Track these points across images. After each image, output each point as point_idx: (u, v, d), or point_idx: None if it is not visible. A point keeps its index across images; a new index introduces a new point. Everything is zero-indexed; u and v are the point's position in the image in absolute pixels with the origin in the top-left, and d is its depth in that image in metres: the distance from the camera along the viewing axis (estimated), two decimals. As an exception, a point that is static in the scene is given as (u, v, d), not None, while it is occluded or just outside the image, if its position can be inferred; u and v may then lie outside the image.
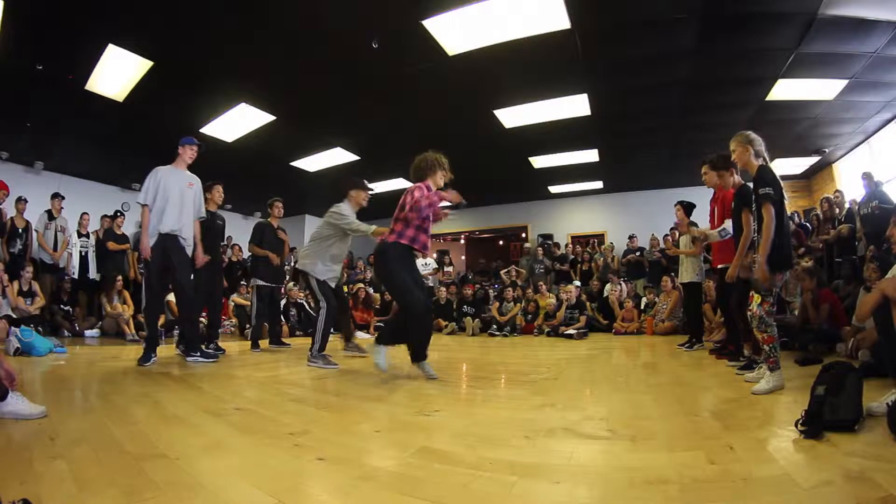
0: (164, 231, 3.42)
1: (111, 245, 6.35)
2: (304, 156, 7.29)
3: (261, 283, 4.81)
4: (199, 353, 3.57)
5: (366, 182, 4.04)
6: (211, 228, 4.31)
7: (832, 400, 1.63)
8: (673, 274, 6.29)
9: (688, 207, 4.75)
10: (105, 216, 6.87)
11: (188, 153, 3.62)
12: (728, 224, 3.52)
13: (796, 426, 1.59)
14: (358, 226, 3.70)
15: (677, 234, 5.73)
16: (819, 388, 1.69)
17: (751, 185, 2.77)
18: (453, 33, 4.10)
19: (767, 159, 2.61)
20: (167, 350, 4.09)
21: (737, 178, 3.32)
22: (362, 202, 3.92)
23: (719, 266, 3.64)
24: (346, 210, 3.78)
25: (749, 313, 2.54)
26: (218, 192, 4.42)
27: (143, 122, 5.81)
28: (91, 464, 1.33)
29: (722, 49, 4.37)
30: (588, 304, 7.05)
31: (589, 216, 10.07)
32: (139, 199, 3.44)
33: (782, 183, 2.51)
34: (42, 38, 4.05)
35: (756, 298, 2.45)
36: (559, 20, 3.91)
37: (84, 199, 7.39)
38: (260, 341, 4.81)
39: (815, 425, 1.57)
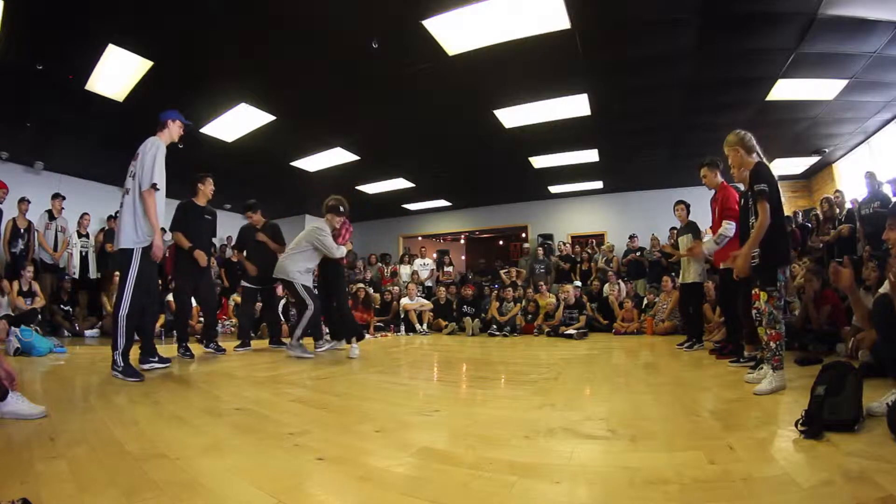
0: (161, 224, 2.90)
1: (109, 247, 6.36)
2: (304, 156, 7.28)
3: (245, 284, 4.87)
4: (156, 359, 3.16)
5: (342, 209, 4.42)
6: (202, 223, 4.04)
7: (832, 400, 1.63)
8: (673, 274, 6.30)
9: (689, 207, 4.79)
10: (111, 217, 6.88)
11: (176, 129, 3.11)
12: (727, 228, 3.51)
13: (796, 426, 1.59)
14: (331, 249, 4.22)
15: (675, 234, 5.75)
16: (819, 388, 1.69)
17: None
18: (453, 33, 4.10)
19: (761, 154, 2.59)
20: (168, 350, 4.09)
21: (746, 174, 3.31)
22: (336, 225, 4.35)
23: (721, 266, 3.64)
24: (327, 230, 4.24)
25: (755, 311, 2.53)
26: (210, 185, 4.11)
27: (143, 122, 5.78)
28: (91, 464, 1.33)
29: (722, 49, 4.37)
30: (588, 304, 7.05)
31: (589, 216, 10.07)
32: (155, 180, 2.76)
33: (779, 182, 2.51)
34: (42, 38, 4.05)
35: (763, 295, 2.43)
36: (559, 20, 3.90)
37: (84, 199, 7.38)
38: (252, 341, 4.78)
39: (815, 425, 1.57)
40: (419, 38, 4.12)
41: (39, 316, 5.24)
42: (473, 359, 4.38)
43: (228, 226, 9.00)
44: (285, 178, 8.14)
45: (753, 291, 2.54)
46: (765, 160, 2.58)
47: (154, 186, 2.78)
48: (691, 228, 4.66)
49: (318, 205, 5.61)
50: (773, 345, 2.41)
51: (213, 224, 4.27)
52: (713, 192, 3.89)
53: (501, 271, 8.86)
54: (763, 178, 2.43)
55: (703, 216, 4.89)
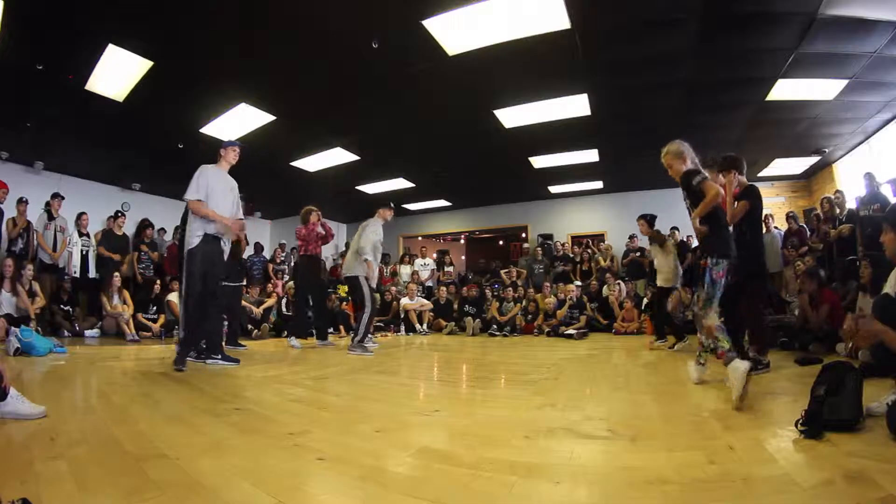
0: (211, 232, 3.36)
1: (101, 250, 6.36)
2: (304, 156, 7.28)
3: (226, 283, 4.69)
4: (219, 356, 3.55)
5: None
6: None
7: (832, 400, 1.63)
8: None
9: (651, 220, 4.91)
10: (110, 217, 6.87)
11: (231, 155, 3.60)
12: None
13: (796, 426, 1.59)
14: (364, 251, 4.65)
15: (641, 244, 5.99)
16: (819, 388, 1.69)
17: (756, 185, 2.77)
18: (453, 33, 4.10)
19: (698, 163, 2.67)
20: (168, 350, 4.09)
21: (743, 178, 3.31)
22: (387, 218, 4.89)
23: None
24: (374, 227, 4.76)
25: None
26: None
27: (143, 122, 5.81)
28: (91, 464, 1.33)
29: (722, 49, 4.37)
30: (588, 304, 7.05)
31: (589, 216, 10.06)
32: (189, 196, 3.31)
33: (779, 182, 2.55)
34: (42, 38, 4.05)
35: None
36: (559, 20, 3.90)
37: (84, 199, 7.38)
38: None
39: (815, 425, 1.57)
40: (419, 38, 4.12)
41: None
42: (473, 359, 4.38)
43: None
44: (285, 178, 8.14)
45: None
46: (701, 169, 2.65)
47: (196, 200, 3.34)
48: (658, 239, 4.94)
49: (318, 205, 5.61)
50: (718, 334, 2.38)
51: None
52: None
53: (502, 271, 8.86)
54: (697, 171, 2.57)
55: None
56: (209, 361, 3.50)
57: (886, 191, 5.38)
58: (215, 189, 3.40)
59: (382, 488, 1.22)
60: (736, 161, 3.29)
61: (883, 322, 1.94)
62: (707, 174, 2.60)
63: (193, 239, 3.33)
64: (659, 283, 4.94)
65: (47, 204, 6.22)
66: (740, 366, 2.03)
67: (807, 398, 1.70)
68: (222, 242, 3.49)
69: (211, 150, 6.58)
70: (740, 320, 3.50)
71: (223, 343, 4.36)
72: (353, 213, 10.52)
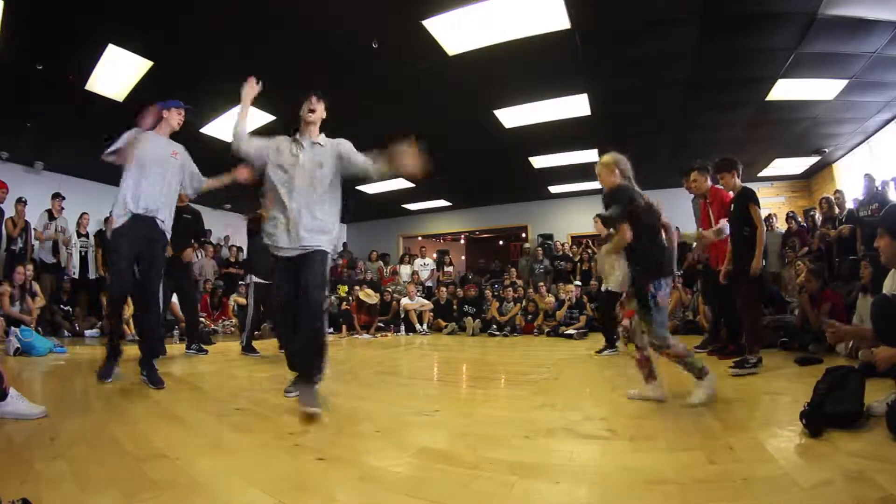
0: (139, 211, 2.64)
1: (98, 253, 6.36)
2: (304, 156, 7.28)
3: (259, 280, 4.17)
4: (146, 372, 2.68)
5: None
6: (178, 223, 3.79)
7: (835, 394, 1.64)
8: (679, 273, 6.34)
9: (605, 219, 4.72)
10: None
11: (175, 118, 2.90)
12: (724, 223, 3.51)
13: (801, 419, 1.60)
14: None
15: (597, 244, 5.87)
16: (822, 385, 1.71)
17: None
18: (453, 33, 4.10)
19: (632, 179, 2.48)
20: (172, 350, 4.08)
21: (737, 181, 3.32)
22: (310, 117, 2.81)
23: (718, 267, 3.64)
24: None
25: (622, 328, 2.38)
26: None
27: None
28: (91, 464, 1.33)
29: (722, 49, 4.36)
30: (588, 304, 7.05)
31: (589, 216, 9.96)
32: (105, 154, 2.69)
33: (779, 182, 2.51)
34: (42, 38, 4.05)
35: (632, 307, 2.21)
36: (559, 20, 3.90)
37: (84, 199, 7.37)
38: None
39: (818, 417, 1.57)
40: (419, 38, 4.12)
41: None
42: (473, 359, 4.38)
43: (224, 224, 9.10)
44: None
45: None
46: (633, 185, 2.46)
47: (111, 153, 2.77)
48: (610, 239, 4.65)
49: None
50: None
51: (193, 224, 4.44)
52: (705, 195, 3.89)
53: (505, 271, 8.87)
54: (625, 198, 2.33)
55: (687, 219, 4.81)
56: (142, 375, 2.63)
57: (891, 189, 5.37)
58: (150, 157, 2.72)
59: (382, 488, 1.22)
60: (733, 163, 3.30)
61: (881, 322, 1.94)
62: (638, 193, 2.38)
63: (119, 218, 2.62)
64: (610, 287, 4.51)
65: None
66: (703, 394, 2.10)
67: (807, 398, 1.70)
68: (158, 222, 2.70)
69: (211, 150, 6.60)
70: (739, 319, 3.50)
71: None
72: (352, 212, 10.53)
